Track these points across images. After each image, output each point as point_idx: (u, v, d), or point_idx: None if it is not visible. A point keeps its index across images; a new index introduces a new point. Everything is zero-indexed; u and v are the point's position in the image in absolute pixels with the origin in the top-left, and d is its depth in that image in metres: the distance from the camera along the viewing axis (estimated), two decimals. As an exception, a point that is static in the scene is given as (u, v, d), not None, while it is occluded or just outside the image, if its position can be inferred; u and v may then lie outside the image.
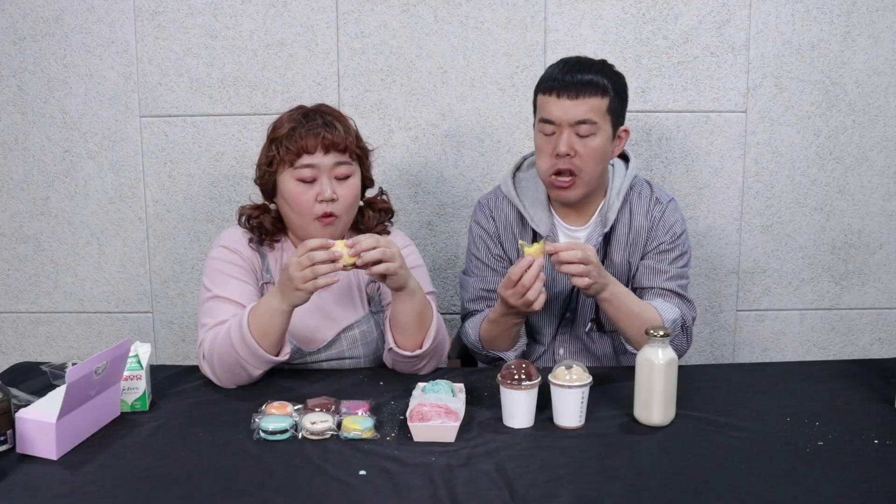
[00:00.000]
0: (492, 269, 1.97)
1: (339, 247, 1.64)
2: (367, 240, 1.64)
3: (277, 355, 1.71)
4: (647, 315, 1.79)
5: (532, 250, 1.68)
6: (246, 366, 1.69)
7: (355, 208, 1.85)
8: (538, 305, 1.69)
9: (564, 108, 1.79)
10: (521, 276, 1.67)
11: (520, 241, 1.75)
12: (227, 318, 1.75)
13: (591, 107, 1.79)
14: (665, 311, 1.83)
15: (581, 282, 1.69)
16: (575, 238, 1.94)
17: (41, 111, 2.47)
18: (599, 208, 1.94)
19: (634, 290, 1.92)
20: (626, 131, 1.89)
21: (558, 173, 1.83)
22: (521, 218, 1.96)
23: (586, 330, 1.98)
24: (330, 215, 1.77)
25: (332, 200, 1.77)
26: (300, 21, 2.40)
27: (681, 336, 1.87)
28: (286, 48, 2.42)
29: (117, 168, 2.49)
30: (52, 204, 2.52)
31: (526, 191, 1.96)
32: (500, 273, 1.95)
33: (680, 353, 1.84)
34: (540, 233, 1.92)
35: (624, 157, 1.99)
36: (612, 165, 1.96)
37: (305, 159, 1.76)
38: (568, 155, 1.80)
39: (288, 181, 1.78)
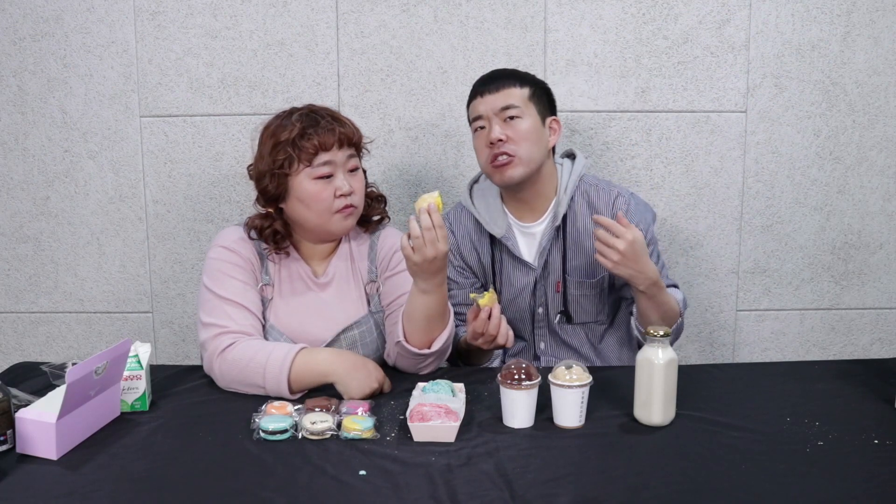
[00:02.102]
0: (455, 283, 2.07)
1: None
2: (439, 220, 1.66)
3: (293, 394, 1.70)
4: (671, 304, 1.89)
5: (485, 301, 1.77)
6: (259, 391, 1.69)
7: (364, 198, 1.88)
8: (510, 343, 1.82)
9: (488, 102, 1.93)
10: (486, 329, 1.78)
11: (471, 295, 1.82)
12: (234, 318, 1.75)
13: (512, 95, 1.93)
14: (674, 293, 1.94)
15: (601, 259, 1.79)
16: (529, 234, 2.02)
17: (41, 111, 2.47)
18: (552, 205, 2.02)
19: (612, 283, 2.01)
20: (556, 121, 1.99)
21: (495, 158, 1.92)
22: (479, 225, 2.05)
23: (556, 322, 2.04)
24: (351, 206, 1.80)
25: (351, 193, 1.79)
26: (300, 21, 2.40)
27: (679, 320, 1.94)
28: (286, 48, 2.42)
29: (117, 168, 2.49)
30: (52, 204, 2.52)
31: (481, 198, 2.07)
32: (461, 286, 2.07)
33: (676, 336, 1.93)
34: (495, 234, 2.01)
35: (572, 157, 2.07)
36: (561, 165, 2.05)
37: (323, 156, 1.77)
38: (500, 140, 1.90)
39: (304, 181, 1.78)
